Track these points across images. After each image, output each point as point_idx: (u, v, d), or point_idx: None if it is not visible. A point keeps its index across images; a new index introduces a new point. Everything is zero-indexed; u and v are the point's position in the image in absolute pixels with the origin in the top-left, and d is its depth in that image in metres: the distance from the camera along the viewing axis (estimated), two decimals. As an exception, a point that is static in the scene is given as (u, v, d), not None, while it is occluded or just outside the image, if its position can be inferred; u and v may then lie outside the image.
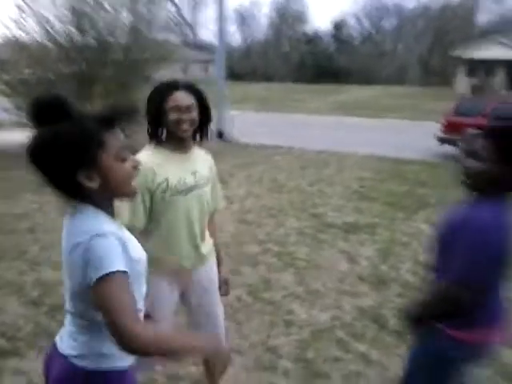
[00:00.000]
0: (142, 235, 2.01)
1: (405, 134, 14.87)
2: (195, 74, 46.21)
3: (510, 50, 30.96)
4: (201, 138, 2.19)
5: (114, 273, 1.21)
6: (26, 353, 3.08)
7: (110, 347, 1.33)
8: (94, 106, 9.57)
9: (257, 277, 4.34)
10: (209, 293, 2.35)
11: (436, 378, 1.82)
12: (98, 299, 1.22)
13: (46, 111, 1.25)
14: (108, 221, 1.33)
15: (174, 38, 18.77)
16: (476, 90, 28.31)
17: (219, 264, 2.44)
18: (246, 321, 3.59)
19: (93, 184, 1.28)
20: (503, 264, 1.68)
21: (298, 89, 37.99)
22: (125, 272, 1.24)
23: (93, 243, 1.23)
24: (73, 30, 10.35)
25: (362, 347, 3.28)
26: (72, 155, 1.23)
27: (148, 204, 2.07)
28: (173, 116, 2.03)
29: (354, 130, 15.78)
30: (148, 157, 2.05)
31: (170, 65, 12.00)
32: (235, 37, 64.95)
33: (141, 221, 2.07)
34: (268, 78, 48.90)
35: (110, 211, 1.38)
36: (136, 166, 1.38)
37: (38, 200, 6.20)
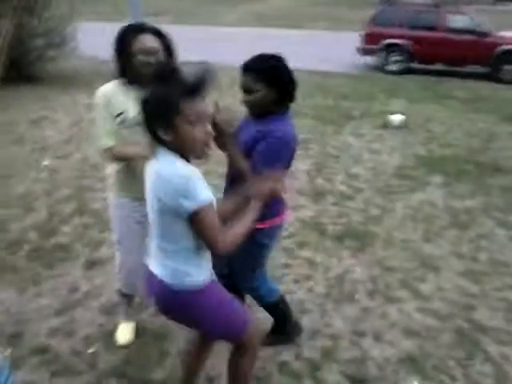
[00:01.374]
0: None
1: (325, 45, 15.07)
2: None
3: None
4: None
5: (205, 204, 1.59)
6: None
7: (191, 268, 1.72)
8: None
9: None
10: None
11: (254, 255, 2.42)
12: (197, 224, 1.61)
13: (160, 74, 1.61)
14: (185, 164, 1.61)
15: None
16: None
17: None
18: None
19: (168, 138, 1.58)
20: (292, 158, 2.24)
21: (213, -2, 36.30)
22: (211, 201, 1.62)
23: (179, 181, 1.56)
24: None
25: (307, 253, 3.69)
26: (154, 113, 1.57)
27: (112, 126, 2.26)
28: (140, 58, 2.14)
29: (274, 42, 15.66)
30: (111, 87, 2.28)
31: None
32: None
33: (111, 137, 2.27)
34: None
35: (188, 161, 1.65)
36: (208, 133, 1.64)
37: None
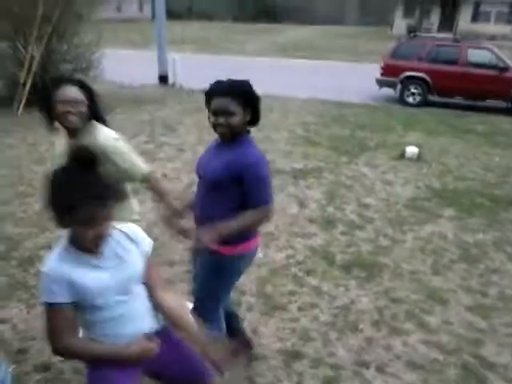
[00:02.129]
0: None
1: (344, 76, 15.23)
2: (130, 13, 43.78)
3: (444, -11, 31.53)
4: (98, 120, 2.45)
5: (47, 305, 1.68)
6: (6, 304, 3.25)
7: None
8: (29, 50, 9.13)
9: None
10: None
11: (224, 280, 2.40)
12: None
13: (76, 157, 1.60)
14: (57, 258, 1.70)
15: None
16: (411, 30, 28.88)
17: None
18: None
19: (61, 227, 1.65)
20: None
21: (237, 29, 37.17)
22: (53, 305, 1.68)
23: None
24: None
25: (314, 281, 3.69)
26: (51, 202, 1.60)
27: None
28: (60, 108, 2.28)
29: (295, 72, 15.95)
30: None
31: (102, 3, 11.40)
32: (169, -29, 61.57)
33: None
34: (206, 16, 47.26)
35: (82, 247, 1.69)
36: (98, 235, 1.63)
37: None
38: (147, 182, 2.58)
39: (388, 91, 11.91)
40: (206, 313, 2.39)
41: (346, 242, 4.33)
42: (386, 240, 4.40)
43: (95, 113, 2.40)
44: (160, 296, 1.85)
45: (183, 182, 5.61)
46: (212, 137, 2.40)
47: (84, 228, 1.58)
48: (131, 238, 1.80)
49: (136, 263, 1.78)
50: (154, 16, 13.79)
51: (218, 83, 2.23)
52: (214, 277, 2.35)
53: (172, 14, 38.46)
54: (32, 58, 9.13)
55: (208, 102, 2.23)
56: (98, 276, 1.68)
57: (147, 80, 12.55)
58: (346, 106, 10.69)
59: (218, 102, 2.17)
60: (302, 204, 5.13)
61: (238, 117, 2.18)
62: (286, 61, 19.02)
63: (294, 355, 2.87)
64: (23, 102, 8.79)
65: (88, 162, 1.58)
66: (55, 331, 1.68)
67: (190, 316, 1.92)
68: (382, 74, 11.65)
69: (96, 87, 2.55)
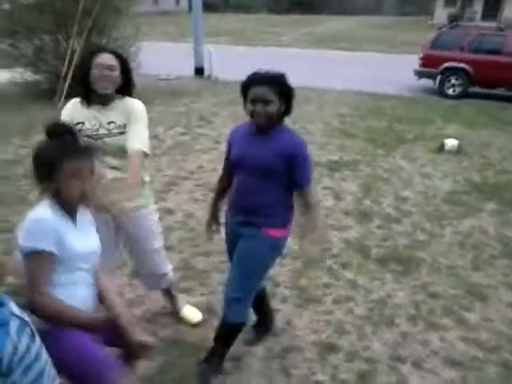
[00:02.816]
0: None
1: (382, 67, 14.96)
2: (166, 6, 44.17)
3: (487, -23, 30.45)
4: (126, 94, 2.52)
5: (32, 252, 1.74)
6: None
7: None
8: (70, 43, 9.35)
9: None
10: (139, 239, 2.68)
11: (273, 261, 2.50)
12: (25, 265, 1.79)
13: (52, 131, 1.78)
14: (46, 210, 1.77)
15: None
16: (452, 19, 28.06)
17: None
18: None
19: (49, 188, 1.76)
20: None
21: (273, 20, 36.97)
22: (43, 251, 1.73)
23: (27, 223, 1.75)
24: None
25: (349, 274, 3.65)
26: (38, 166, 1.75)
27: None
28: (95, 73, 2.37)
29: (332, 63, 15.76)
30: (74, 102, 2.55)
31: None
32: (206, -37, 61.71)
33: None
34: (242, 8, 47.19)
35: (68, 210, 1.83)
36: (85, 190, 1.78)
37: (27, 144, 6.25)
38: (132, 156, 2.43)
39: (426, 82, 11.62)
40: (249, 295, 2.46)
41: (382, 236, 4.27)
42: (424, 234, 4.31)
43: (127, 83, 2.50)
44: (97, 275, 1.98)
45: (219, 174, 5.63)
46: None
47: (71, 181, 1.73)
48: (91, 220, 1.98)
49: (97, 243, 1.96)
50: (190, 8, 13.84)
51: (256, 74, 2.33)
52: (268, 258, 2.45)
53: (208, 7, 38.61)
54: (73, 51, 9.35)
55: (245, 91, 2.32)
56: (78, 238, 1.81)
57: (183, 72, 12.66)
58: (382, 98, 10.50)
59: (256, 91, 2.26)
60: (337, 196, 5.08)
61: (275, 105, 2.27)
62: (321, 52, 18.82)
63: (329, 348, 2.86)
64: (64, 94, 9.01)
65: (64, 132, 1.76)
66: (38, 281, 1.72)
67: (119, 299, 2.02)
68: (422, 65, 11.36)
69: (135, 80, 2.60)
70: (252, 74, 2.33)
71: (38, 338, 1.47)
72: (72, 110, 2.51)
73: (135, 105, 2.51)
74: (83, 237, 1.86)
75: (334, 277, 3.62)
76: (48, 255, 1.72)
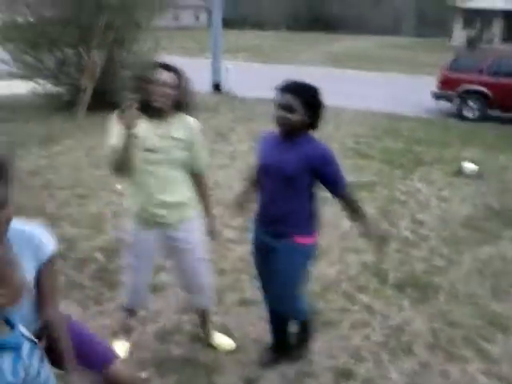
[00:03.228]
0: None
1: (400, 87, 14.95)
2: (186, 21, 44.87)
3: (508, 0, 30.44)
4: (183, 109, 2.55)
5: None
6: (62, 303, 3.34)
7: None
8: (92, 57, 9.49)
9: (265, 233, 4.59)
10: (185, 253, 2.67)
11: (308, 267, 2.57)
12: None
13: None
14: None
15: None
16: (471, 41, 28.05)
17: (207, 217, 2.77)
18: (258, 274, 3.88)
19: None
20: None
21: (291, 37, 37.28)
22: None
23: None
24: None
25: (365, 299, 3.60)
26: None
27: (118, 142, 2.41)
28: (156, 89, 2.39)
29: (349, 83, 15.78)
30: None
31: (161, 11, 11.67)
32: (226, -20, 62.56)
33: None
34: (260, 25, 47.69)
35: None
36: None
37: (46, 155, 6.33)
38: (200, 176, 2.69)
39: (443, 104, 11.57)
40: (297, 303, 2.59)
41: (399, 260, 4.21)
42: (442, 260, 4.24)
43: (183, 100, 2.53)
44: (46, 312, 1.67)
45: (235, 190, 5.62)
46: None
47: None
48: (30, 240, 1.58)
49: (27, 270, 1.55)
50: (209, 24, 14.01)
51: (289, 81, 2.42)
52: (304, 265, 2.53)
53: (226, 23, 39.11)
54: (94, 64, 9.49)
55: (276, 96, 2.43)
56: None
57: (201, 87, 12.77)
58: (399, 119, 10.48)
59: (282, 97, 2.37)
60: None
61: (298, 115, 2.34)
62: (339, 71, 18.89)
63: (345, 374, 2.80)
64: (84, 106, 9.13)
65: None
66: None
67: (65, 332, 1.71)
68: (439, 87, 11.33)
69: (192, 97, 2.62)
70: (286, 81, 2.42)
71: (46, 360, 1.45)
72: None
73: (193, 122, 2.59)
74: None
75: (350, 301, 3.56)
76: None
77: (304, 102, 2.33)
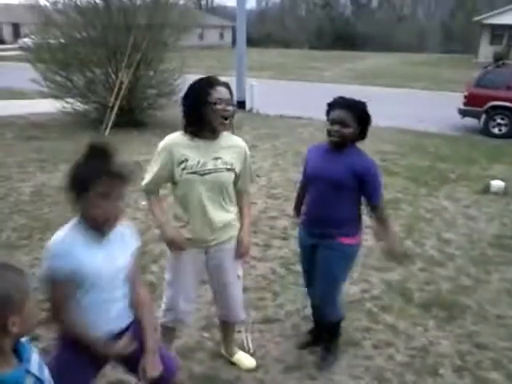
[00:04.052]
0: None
1: (425, 104, 14.83)
2: (211, 40, 45.67)
3: (535, 16, 30.05)
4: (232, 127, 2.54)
5: (45, 277, 1.80)
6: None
7: None
8: (119, 76, 9.72)
9: (288, 250, 4.58)
10: (228, 270, 2.65)
11: (344, 270, 2.83)
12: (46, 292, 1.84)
13: (93, 149, 1.79)
14: (66, 233, 1.80)
15: (189, 2, 18.43)
16: (498, 58, 27.68)
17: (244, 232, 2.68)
18: (281, 291, 3.86)
19: (78, 208, 1.80)
20: None
21: (315, 55, 37.49)
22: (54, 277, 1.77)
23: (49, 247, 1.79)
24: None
25: (389, 318, 3.53)
26: (70, 185, 1.77)
27: (168, 174, 2.44)
28: (218, 107, 2.31)
29: (374, 100, 15.66)
30: (176, 137, 2.46)
31: (187, 31, 11.88)
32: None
33: (157, 185, 2.55)
34: (284, 43, 48.12)
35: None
36: (112, 211, 1.80)
37: (74, 172, 6.46)
38: (245, 194, 2.71)
39: (470, 121, 11.42)
40: (335, 301, 2.85)
41: (424, 279, 4.13)
42: (469, 279, 4.15)
43: (233, 118, 2.50)
44: (137, 292, 2.00)
45: (258, 207, 5.64)
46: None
47: (99, 201, 1.72)
48: (124, 234, 1.95)
49: (126, 259, 1.93)
50: (234, 43, 14.19)
51: (340, 97, 2.65)
52: (346, 264, 2.79)
53: (250, 41, 39.62)
54: (121, 83, 9.72)
55: (328, 112, 2.65)
56: (100, 258, 1.80)
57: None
58: (424, 136, 10.37)
59: (336, 113, 2.58)
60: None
61: (351, 129, 2.58)
62: (364, 88, 18.81)
63: (368, 396, 2.75)
64: (110, 124, 9.33)
65: (103, 150, 1.76)
66: (57, 306, 1.77)
67: (153, 317, 2.12)
68: (466, 104, 11.18)
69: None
70: (337, 97, 2.65)
71: None
72: (174, 145, 2.42)
73: (240, 142, 2.58)
74: (108, 256, 1.83)
75: (373, 320, 3.50)
76: (62, 283, 1.74)
77: (356, 116, 2.57)
